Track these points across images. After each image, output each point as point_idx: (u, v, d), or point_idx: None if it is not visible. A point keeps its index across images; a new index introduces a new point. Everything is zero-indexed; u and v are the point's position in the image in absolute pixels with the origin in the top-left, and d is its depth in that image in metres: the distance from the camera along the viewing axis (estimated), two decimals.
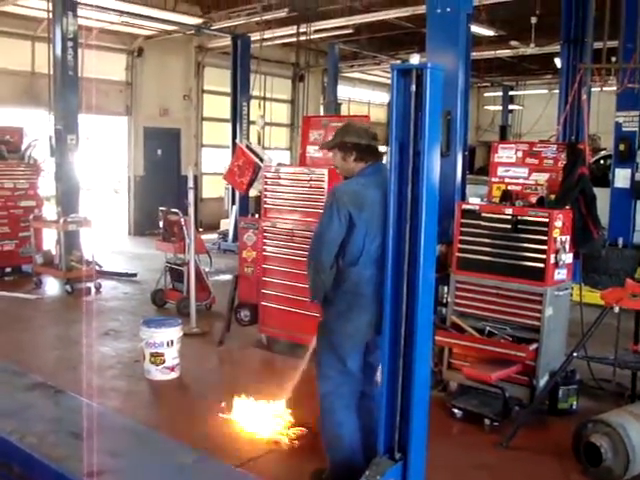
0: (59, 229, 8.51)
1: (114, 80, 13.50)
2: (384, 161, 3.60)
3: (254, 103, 13.16)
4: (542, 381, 4.64)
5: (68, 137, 9.21)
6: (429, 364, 3.23)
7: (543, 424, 4.61)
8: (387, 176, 3.23)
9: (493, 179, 5.41)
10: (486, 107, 22.42)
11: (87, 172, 12.87)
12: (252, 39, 12.74)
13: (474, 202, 5.15)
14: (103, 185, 19.78)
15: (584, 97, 6.91)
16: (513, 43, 13.60)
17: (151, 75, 13.83)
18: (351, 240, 3.31)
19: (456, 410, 4.69)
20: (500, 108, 21.66)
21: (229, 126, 13.00)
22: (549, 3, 10.32)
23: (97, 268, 8.90)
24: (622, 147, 8.63)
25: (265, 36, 12.42)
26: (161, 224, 7.99)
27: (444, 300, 5.22)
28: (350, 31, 13.41)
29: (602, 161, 11.92)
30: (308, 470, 3.72)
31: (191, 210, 6.81)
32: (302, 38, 12.64)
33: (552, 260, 4.60)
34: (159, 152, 14.38)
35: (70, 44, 9.14)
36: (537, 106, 18.26)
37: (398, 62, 14.40)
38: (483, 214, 4.90)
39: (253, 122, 12.98)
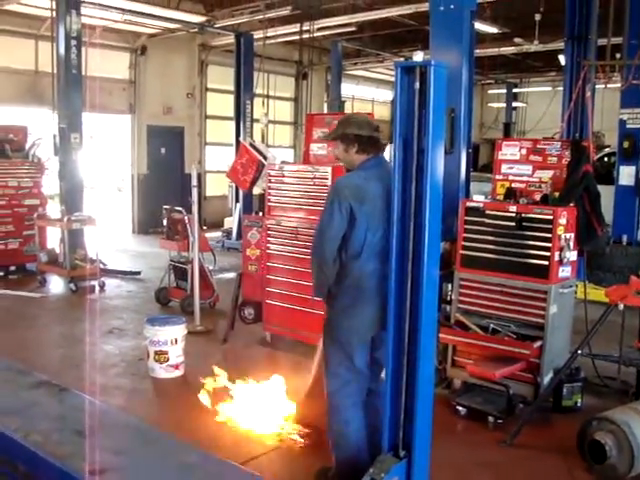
0: (63, 227, 8.52)
1: (117, 78, 13.49)
2: (386, 154, 3.60)
3: (257, 101, 13.17)
4: (546, 378, 4.64)
5: (72, 136, 9.23)
6: (433, 362, 3.22)
7: (547, 422, 4.61)
8: (389, 169, 3.24)
9: (497, 176, 5.40)
10: (490, 104, 22.40)
11: (91, 170, 12.94)
12: (255, 37, 12.74)
13: (478, 199, 5.12)
14: (107, 183, 19.85)
15: (588, 94, 6.90)
16: (517, 40, 13.54)
17: (154, 73, 13.83)
18: (353, 234, 3.31)
19: (460, 408, 4.69)
20: (504, 105, 21.65)
21: (233, 124, 13.00)
22: (553, 0, 10.29)
23: (101, 266, 8.91)
24: (626, 144, 8.58)
25: (268, 34, 12.42)
26: (165, 222, 7.99)
27: (448, 298, 5.22)
28: (353, 29, 13.40)
29: (606, 158, 11.90)
30: (314, 468, 3.71)
31: (195, 208, 6.80)
32: (305, 36, 12.61)
33: (556, 257, 4.59)
34: (163, 150, 14.37)
35: (74, 43, 9.14)
36: (541, 103, 18.26)
37: (402, 60, 14.39)
38: (487, 211, 4.90)
39: (257, 120, 12.96)
